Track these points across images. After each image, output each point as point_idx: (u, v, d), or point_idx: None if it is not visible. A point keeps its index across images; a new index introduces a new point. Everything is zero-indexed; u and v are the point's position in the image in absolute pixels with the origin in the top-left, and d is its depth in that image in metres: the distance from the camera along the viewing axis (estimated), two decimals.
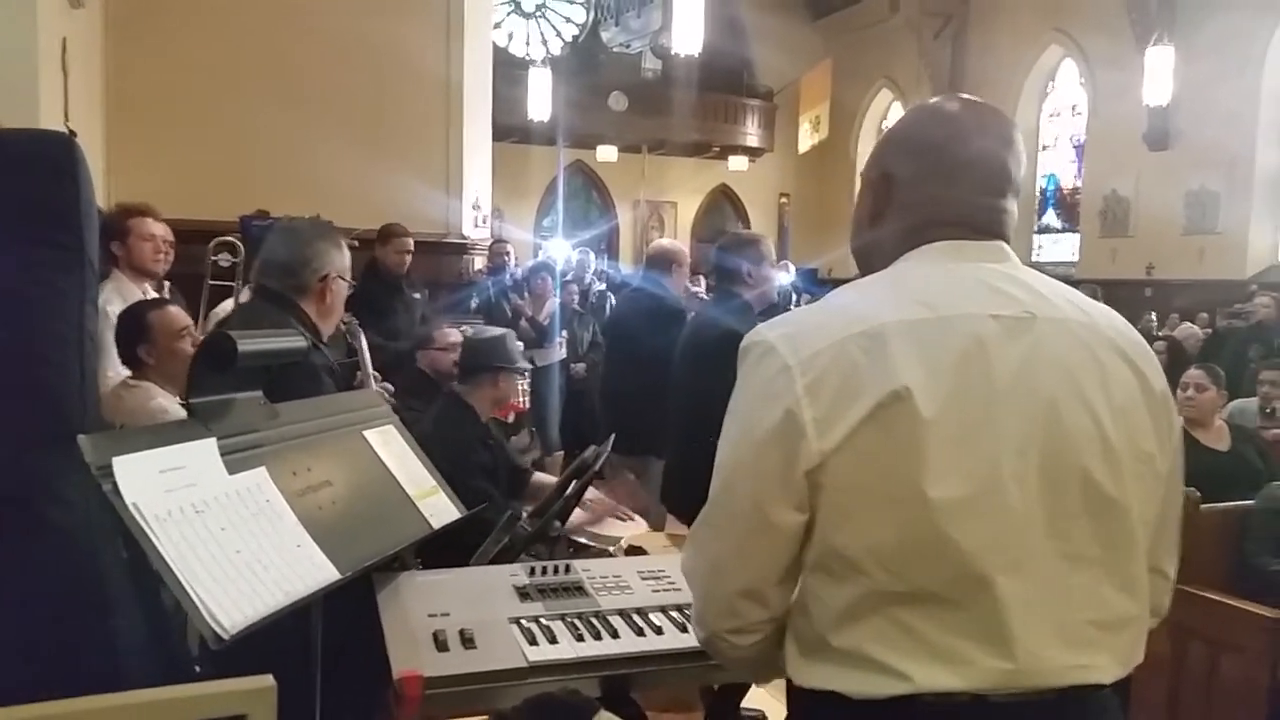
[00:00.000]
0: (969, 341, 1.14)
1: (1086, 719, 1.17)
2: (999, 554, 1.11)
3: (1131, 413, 1.19)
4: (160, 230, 3.87)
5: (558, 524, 2.73)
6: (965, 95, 1.37)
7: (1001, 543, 1.11)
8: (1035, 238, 17.06)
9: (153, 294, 3.88)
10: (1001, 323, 1.16)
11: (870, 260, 1.32)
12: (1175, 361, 7.13)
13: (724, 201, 21.67)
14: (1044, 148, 16.92)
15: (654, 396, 4.57)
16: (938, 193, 1.27)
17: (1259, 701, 3.16)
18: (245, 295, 4.60)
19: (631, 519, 3.27)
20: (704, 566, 1.27)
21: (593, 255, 10.68)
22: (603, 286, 9.32)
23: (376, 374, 3.79)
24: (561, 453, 7.02)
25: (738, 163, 20.65)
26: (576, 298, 8.08)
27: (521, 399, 6.21)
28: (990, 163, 1.27)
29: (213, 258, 5.30)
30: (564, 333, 7.08)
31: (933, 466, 1.09)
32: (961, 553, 1.10)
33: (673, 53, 12.25)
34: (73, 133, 2.14)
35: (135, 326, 3.05)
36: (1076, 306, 1.24)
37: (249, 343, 1.63)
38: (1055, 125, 16.75)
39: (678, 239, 19.50)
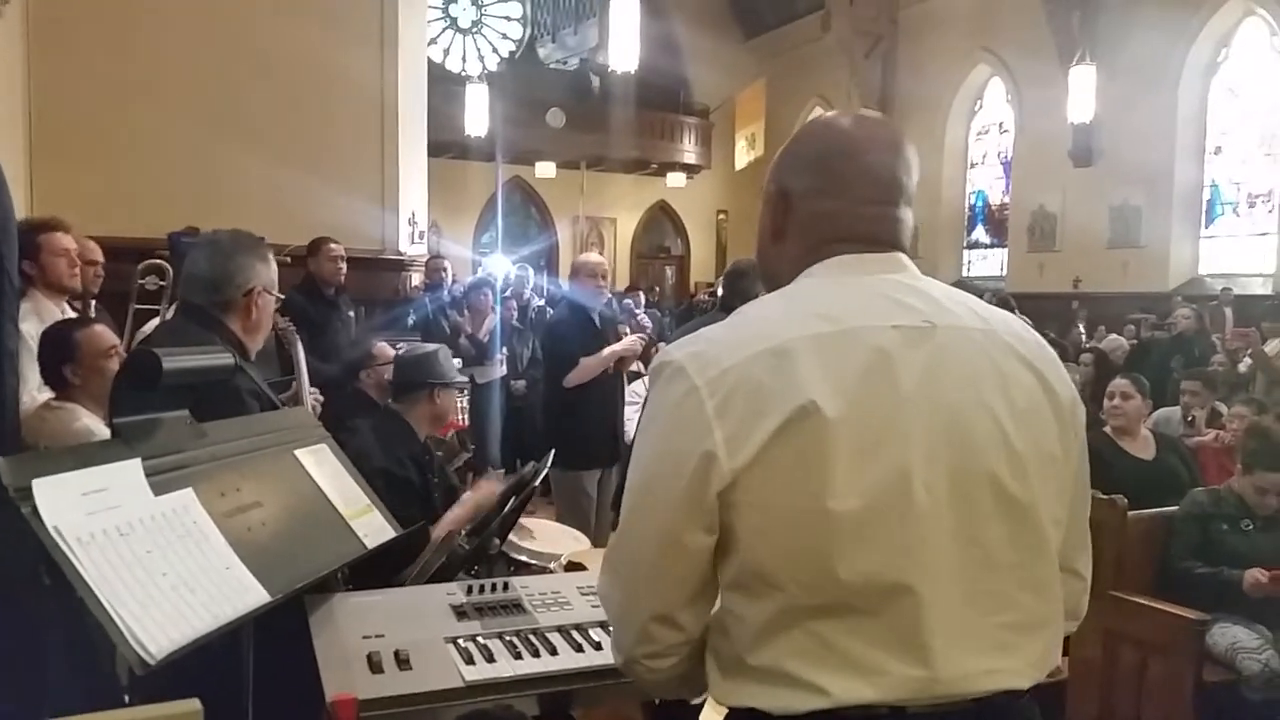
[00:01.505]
0: (872, 353, 1.15)
1: None
2: (909, 562, 1.12)
3: (1034, 416, 1.21)
4: (72, 244, 3.73)
5: (496, 541, 2.70)
6: (860, 111, 1.41)
7: (911, 551, 1.12)
8: (965, 253, 17.40)
9: (71, 313, 3.77)
10: (903, 333, 1.18)
11: (776, 276, 1.34)
12: (1102, 373, 7.33)
13: (663, 218, 21.79)
14: (972, 165, 17.29)
15: (575, 407, 4.59)
16: (831, 206, 1.29)
17: (1185, 700, 3.24)
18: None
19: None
20: (618, 592, 1.27)
21: (532, 271, 10.66)
22: (542, 302, 9.31)
23: (314, 390, 3.73)
24: (502, 470, 6.98)
25: (676, 179, 20.79)
26: (516, 314, 8.05)
27: (461, 416, 6.16)
28: (880, 172, 1.30)
29: (140, 281, 5.18)
30: (504, 349, 7.04)
31: (837, 480, 1.10)
32: (869, 564, 1.11)
33: (609, 70, 12.29)
34: None
35: (61, 345, 2.97)
36: (975, 314, 1.26)
37: (174, 360, 1.60)
38: (983, 142, 17.13)
39: (618, 255, 19.61)
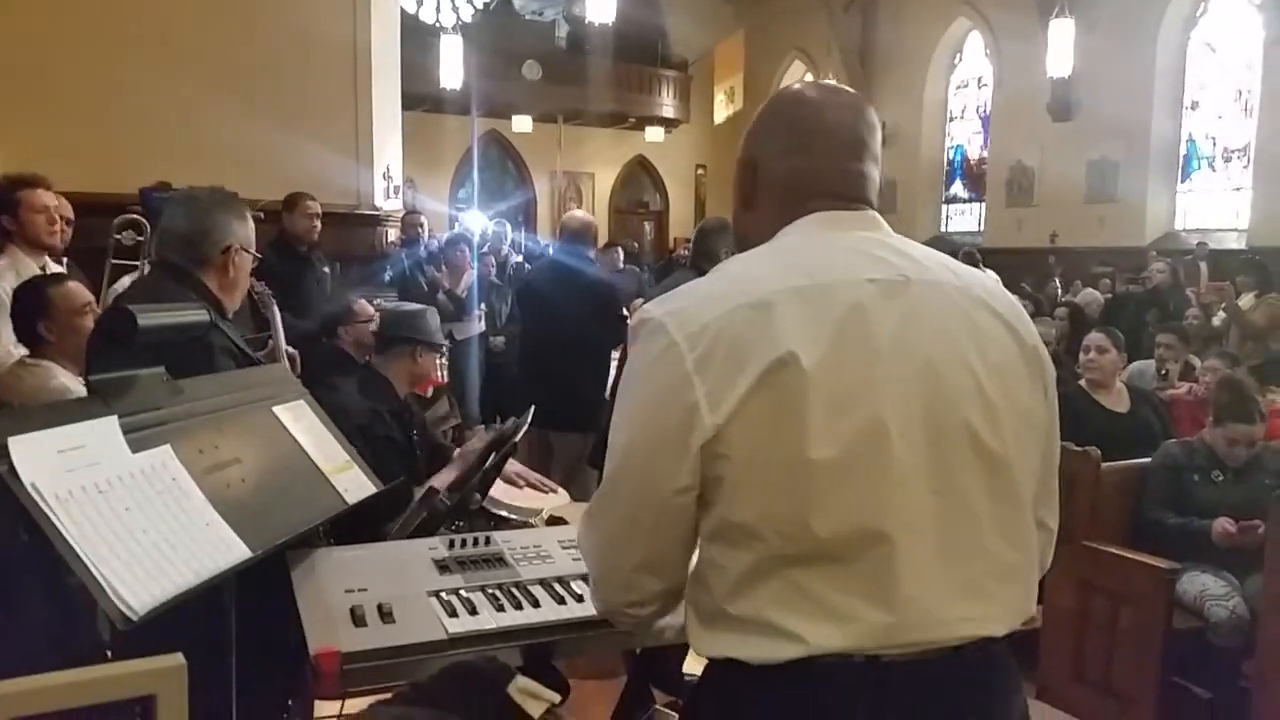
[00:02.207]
0: (848, 306, 1.17)
1: (981, 673, 1.20)
2: (886, 511, 1.14)
3: (1007, 369, 1.24)
4: (52, 201, 3.73)
5: (477, 497, 2.71)
6: (821, 82, 1.47)
7: (888, 500, 1.14)
8: (943, 208, 17.42)
9: (57, 268, 3.75)
10: (878, 286, 1.20)
11: (751, 243, 1.36)
12: (1077, 326, 7.39)
13: (641, 173, 21.67)
14: (951, 119, 17.25)
15: (582, 370, 4.58)
16: (798, 164, 1.32)
17: (1155, 647, 3.31)
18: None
19: (555, 491, 3.27)
20: (600, 542, 1.30)
21: (509, 227, 10.59)
22: (520, 258, 9.26)
23: (290, 348, 3.71)
24: (481, 426, 6.97)
25: (654, 134, 20.64)
26: (494, 270, 8.01)
27: (440, 373, 6.14)
28: (844, 131, 1.33)
29: (116, 235, 5.11)
30: (482, 305, 7.01)
31: (815, 429, 1.12)
32: (846, 513, 1.13)
33: (586, 21, 12.14)
34: None
35: (35, 302, 2.94)
36: (949, 269, 1.28)
37: (149, 317, 1.58)
38: (962, 96, 17.08)
39: (596, 210, 19.49)
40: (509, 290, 7.57)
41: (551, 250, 6.16)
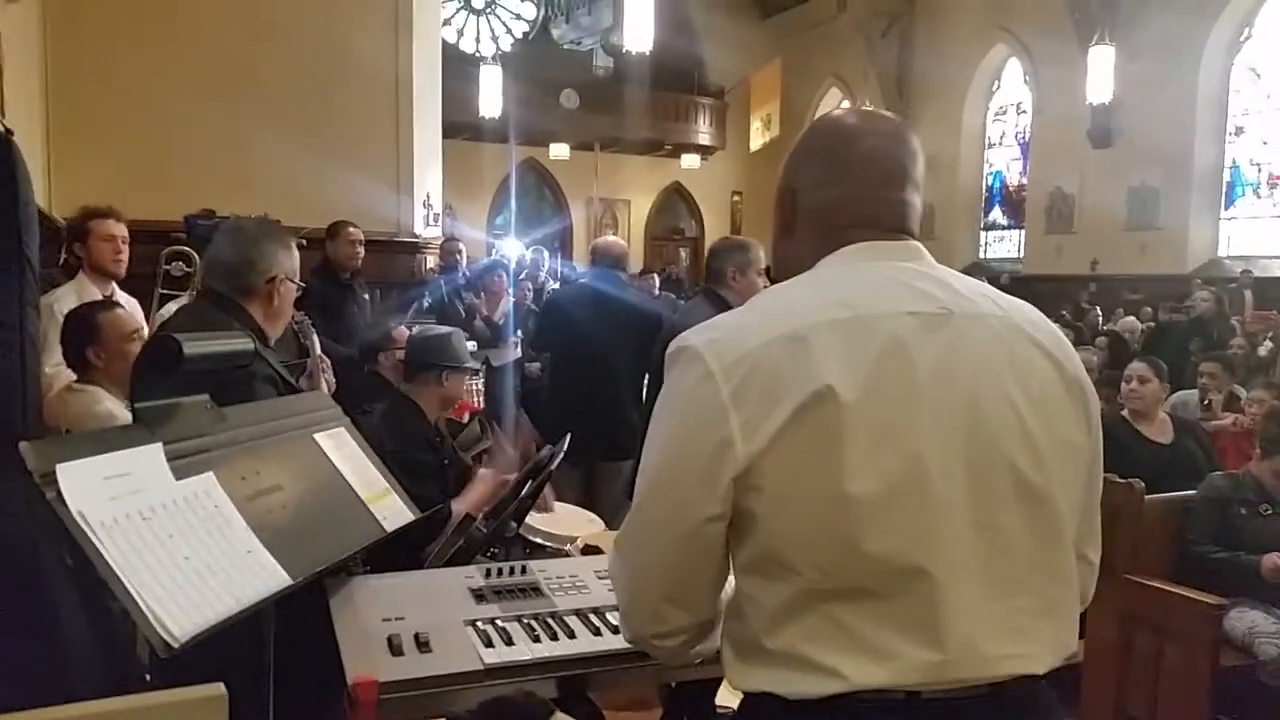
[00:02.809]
0: (888, 339, 1.16)
1: (1021, 710, 1.18)
2: (925, 547, 1.12)
3: (1050, 403, 1.22)
4: (119, 230, 3.86)
5: (513, 524, 2.71)
6: (863, 108, 1.43)
7: (927, 536, 1.12)
8: (982, 235, 17.32)
9: (121, 296, 3.84)
10: (919, 319, 1.18)
11: (790, 270, 1.35)
12: (1117, 355, 7.30)
13: (677, 200, 21.74)
14: (990, 145, 17.19)
15: (622, 399, 4.56)
16: (836, 194, 1.30)
17: (1202, 686, 3.23)
18: None
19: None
20: (629, 572, 1.29)
21: (546, 254, 10.66)
22: (556, 285, 9.31)
23: (329, 378, 3.74)
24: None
25: (690, 161, 20.74)
26: (531, 296, 8.04)
27: (476, 398, 6.17)
28: (883, 158, 1.31)
29: (165, 266, 5.20)
30: (519, 332, 7.04)
31: (853, 464, 1.11)
32: (886, 548, 1.11)
33: (624, 50, 12.25)
34: (9, 131, 2.08)
35: (84, 328, 2.98)
36: (991, 301, 1.26)
37: (195, 345, 1.61)
38: (1001, 123, 17.02)
39: (631, 237, 19.59)
40: None
41: (586, 276, 6.14)
